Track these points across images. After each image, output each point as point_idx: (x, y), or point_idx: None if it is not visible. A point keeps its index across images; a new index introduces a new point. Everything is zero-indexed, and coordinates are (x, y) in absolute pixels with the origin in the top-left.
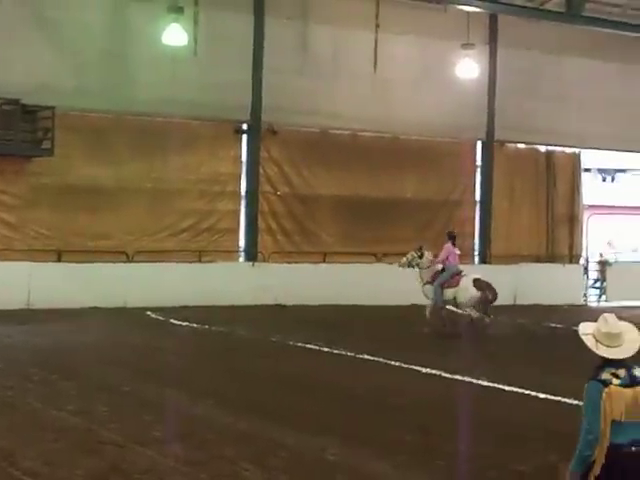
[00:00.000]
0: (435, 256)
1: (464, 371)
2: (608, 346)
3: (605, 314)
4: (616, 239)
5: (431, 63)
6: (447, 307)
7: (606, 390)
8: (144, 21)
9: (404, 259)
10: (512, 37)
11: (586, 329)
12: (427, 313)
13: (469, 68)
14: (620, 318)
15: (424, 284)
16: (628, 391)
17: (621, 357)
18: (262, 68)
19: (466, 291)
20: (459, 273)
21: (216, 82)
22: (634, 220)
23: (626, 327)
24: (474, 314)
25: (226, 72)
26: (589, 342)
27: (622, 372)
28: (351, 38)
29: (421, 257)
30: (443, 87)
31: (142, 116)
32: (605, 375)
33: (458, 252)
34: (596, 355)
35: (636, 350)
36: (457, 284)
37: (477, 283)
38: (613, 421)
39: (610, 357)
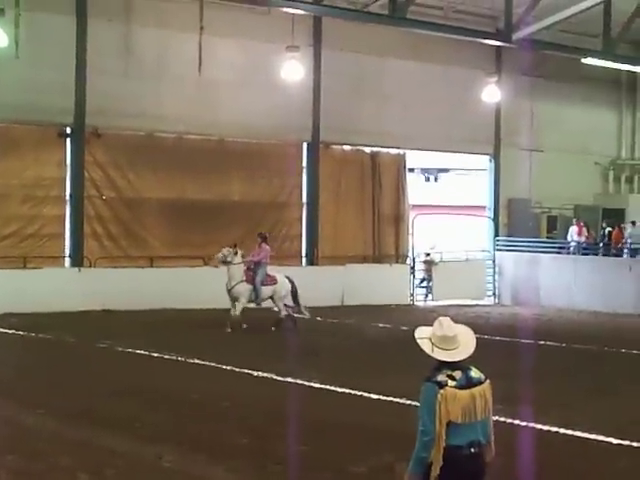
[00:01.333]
0: (243, 256)
1: (295, 373)
2: (444, 349)
3: (440, 318)
4: (439, 241)
5: (256, 65)
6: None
7: (441, 392)
8: None
9: (219, 254)
10: (336, 39)
11: (422, 333)
12: (237, 312)
13: (294, 70)
14: (455, 321)
15: (238, 282)
16: (464, 393)
17: (457, 359)
18: (85, 70)
19: (283, 286)
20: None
21: (39, 85)
22: (457, 219)
23: (461, 329)
24: (295, 309)
25: (49, 74)
26: (425, 346)
27: (458, 374)
28: (175, 40)
29: (236, 254)
30: (268, 89)
31: None
32: (441, 377)
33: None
34: (432, 357)
35: (471, 352)
36: (274, 281)
37: (287, 278)
38: (450, 423)
39: (446, 360)
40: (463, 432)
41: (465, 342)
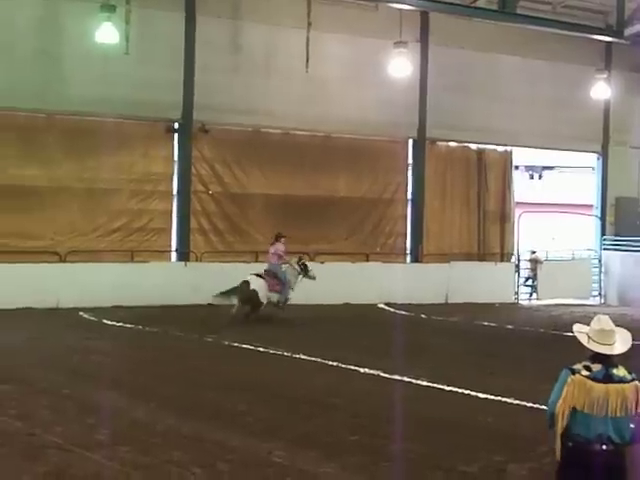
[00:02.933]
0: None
1: (402, 371)
2: (599, 342)
3: (599, 315)
4: (544, 239)
5: (363, 61)
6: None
7: (572, 377)
8: (76, 19)
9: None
10: (444, 35)
11: (581, 328)
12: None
13: (401, 66)
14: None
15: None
16: (598, 385)
17: (607, 353)
18: (194, 66)
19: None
20: None
21: (148, 81)
22: (563, 218)
23: (620, 329)
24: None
25: (158, 71)
26: (582, 338)
27: (597, 367)
28: (283, 36)
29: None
30: (375, 85)
31: (74, 115)
32: (577, 366)
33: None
34: (587, 351)
35: (625, 349)
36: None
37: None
38: (576, 411)
39: (598, 351)
40: (591, 424)
41: (622, 340)
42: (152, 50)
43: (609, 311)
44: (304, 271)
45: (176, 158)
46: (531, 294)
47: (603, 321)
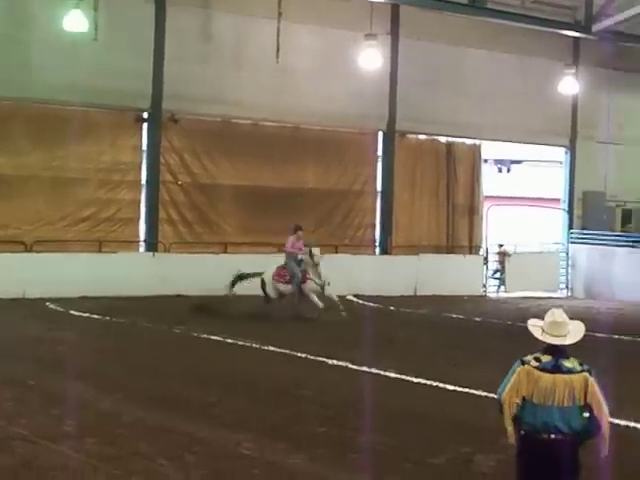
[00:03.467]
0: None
1: (370, 363)
2: (552, 334)
3: (554, 308)
4: (512, 232)
5: (334, 53)
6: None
7: (521, 367)
8: (44, 5)
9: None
10: (414, 28)
11: (535, 322)
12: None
13: (371, 58)
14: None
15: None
16: (546, 376)
17: (558, 343)
18: (164, 55)
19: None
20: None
21: (117, 69)
22: (531, 211)
23: (572, 321)
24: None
25: (127, 59)
26: (535, 331)
27: (547, 358)
28: (254, 26)
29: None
30: (345, 77)
31: (41, 103)
32: (528, 357)
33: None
34: (540, 344)
35: (575, 341)
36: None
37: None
38: (525, 399)
39: (550, 342)
40: (539, 413)
41: (574, 331)
42: (121, 38)
43: (575, 304)
44: (310, 257)
45: (145, 148)
46: (499, 287)
47: (556, 314)
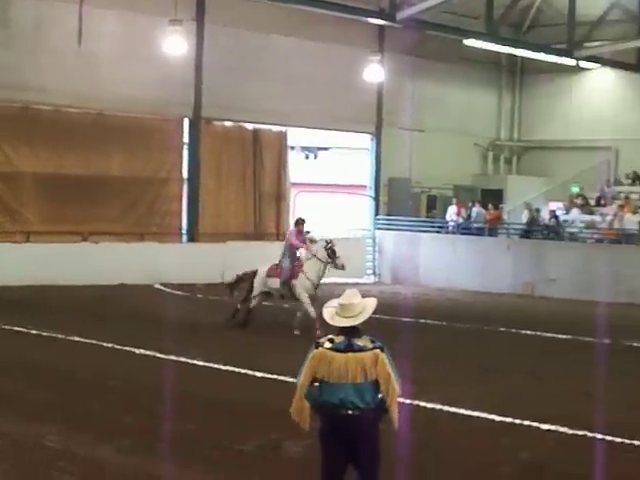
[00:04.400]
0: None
1: (178, 351)
2: (343, 316)
3: (347, 290)
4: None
5: (138, 38)
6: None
7: (315, 351)
8: None
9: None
10: (220, 14)
11: (331, 303)
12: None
13: (176, 44)
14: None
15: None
16: (339, 356)
17: (344, 325)
18: None
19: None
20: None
21: None
22: (338, 198)
23: (361, 300)
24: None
25: None
26: (326, 314)
27: (340, 338)
28: (55, 11)
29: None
30: (150, 63)
31: None
32: (323, 339)
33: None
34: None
35: (360, 321)
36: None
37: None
38: (322, 380)
39: (337, 325)
40: (335, 391)
41: (365, 311)
42: None
43: (382, 289)
44: (332, 258)
45: None
46: None
47: (347, 295)
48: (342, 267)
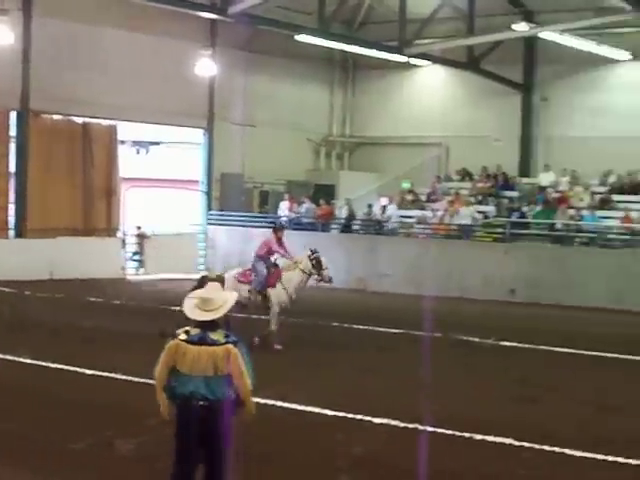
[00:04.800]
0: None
1: (5, 349)
2: (204, 310)
3: (209, 282)
4: (152, 214)
5: None
6: None
7: (170, 342)
8: None
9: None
10: (48, 5)
11: (194, 294)
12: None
13: (2, 35)
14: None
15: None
16: (193, 348)
17: (201, 319)
18: None
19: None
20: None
21: None
22: (170, 193)
23: (220, 295)
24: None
25: None
26: (186, 308)
27: (195, 331)
28: None
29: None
30: None
31: None
32: (179, 330)
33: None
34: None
35: (217, 315)
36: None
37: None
38: (179, 372)
39: (195, 319)
40: (188, 383)
41: (222, 306)
42: None
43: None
44: (316, 269)
45: None
46: (138, 269)
47: (208, 290)
48: (329, 280)
